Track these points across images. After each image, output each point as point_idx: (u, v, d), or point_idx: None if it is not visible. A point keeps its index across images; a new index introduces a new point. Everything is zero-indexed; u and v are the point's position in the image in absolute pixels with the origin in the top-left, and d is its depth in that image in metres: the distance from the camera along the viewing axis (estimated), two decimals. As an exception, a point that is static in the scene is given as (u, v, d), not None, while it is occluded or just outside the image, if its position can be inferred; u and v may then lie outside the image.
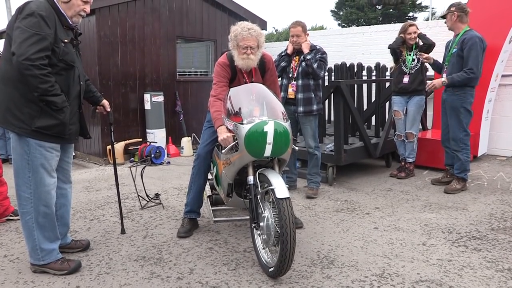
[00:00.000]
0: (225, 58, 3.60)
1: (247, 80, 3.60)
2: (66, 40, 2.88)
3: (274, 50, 7.16)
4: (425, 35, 5.54)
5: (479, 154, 6.74)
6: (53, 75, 2.78)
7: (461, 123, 4.95)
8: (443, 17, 5.17)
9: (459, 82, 4.84)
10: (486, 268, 3.15)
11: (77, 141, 3.35)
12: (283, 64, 4.80)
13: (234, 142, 3.16)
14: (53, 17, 2.81)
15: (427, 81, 5.67)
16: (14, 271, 3.14)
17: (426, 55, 5.27)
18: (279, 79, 4.78)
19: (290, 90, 4.79)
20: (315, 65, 4.55)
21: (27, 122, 2.82)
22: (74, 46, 3.02)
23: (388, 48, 5.74)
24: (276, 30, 34.62)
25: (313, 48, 4.68)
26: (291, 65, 4.80)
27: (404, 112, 5.74)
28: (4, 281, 2.98)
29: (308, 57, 4.58)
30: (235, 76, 3.61)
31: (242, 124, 3.06)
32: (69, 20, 2.94)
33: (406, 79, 5.59)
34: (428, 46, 5.44)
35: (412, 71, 5.55)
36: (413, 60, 5.54)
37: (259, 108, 3.19)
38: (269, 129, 2.98)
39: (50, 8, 2.83)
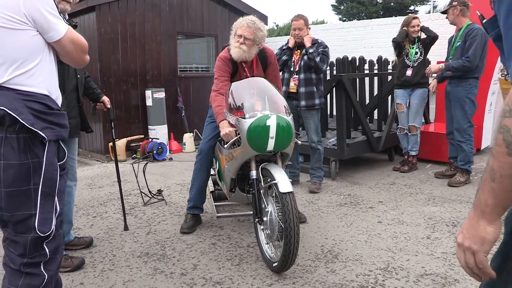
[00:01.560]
0: (226, 52, 3.58)
1: (248, 74, 3.58)
2: None
3: (275, 44, 7.12)
4: (428, 27, 5.51)
5: (482, 147, 6.70)
6: None
7: (465, 113, 4.94)
8: (444, 12, 5.14)
9: (455, 69, 4.87)
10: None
11: (79, 135, 3.33)
12: (284, 58, 4.77)
13: (237, 137, 3.14)
14: None
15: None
16: (17, 268, 3.14)
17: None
18: (281, 73, 4.76)
19: (292, 84, 4.77)
20: (317, 59, 4.53)
21: None
22: None
23: (393, 41, 5.71)
24: (277, 25, 34.55)
25: (314, 42, 4.65)
26: (293, 59, 4.77)
27: (407, 105, 5.71)
28: (7, 279, 2.98)
29: (311, 50, 4.55)
30: (236, 70, 3.59)
31: (244, 118, 3.04)
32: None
33: (409, 72, 5.56)
34: (432, 38, 5.41)
35: (415, 64, 5.52)
36: (416, 53, 5.52)
37: (261, 102, 3.17)
38: (272, 123, 2.96)
39: None
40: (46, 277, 1.91)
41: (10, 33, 1.77)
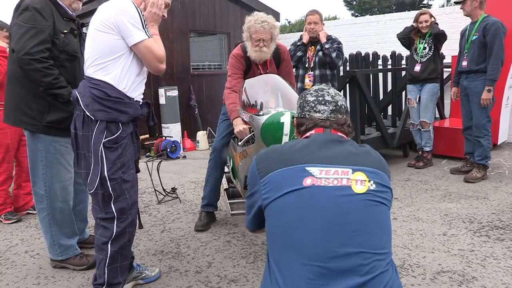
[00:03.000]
0: (239, 49, 3.56)
1: (262, 72, 3.56)
2: (65, 31, 2.83)
3: (287, 41, 7.08)
4: (437, 24, 5.40)
5: (499, 142, 6.61)
6: (57, 68, 2.75)
7: (484, 108, 4.85)
8: (458, 2, 5.04)
9: (496, 76, 4.74)
10: (510, 258, 3.08)
11: None
12: (299, 54, 4.74)
13: (250, 134, 3.13)
14: (50, 9, 2.77)
15: (442, 70, 5.55)
16: (35, 266, 3.17)
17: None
18: (295, 69, 4.73)
19: (307, 80, 4.74)
20: (333, 55, 4.50)
21: (38, 118, 2.82)
22: (76, 36, 2.97)
23: (397, 37, 5.67)
24: (289, 22, 34.43)
25: (328, 38, 4.62)
26: (307, 55, 4.74)
27: (417, 100, 5.64)
28: (26, 276, 3.01)
29: (327, 46, 4.53)
30: (249, 68, 3.58)
31: (258, 115, 3.03)
32: (68, 10, 2.90)
33: (417, 68, 5.50)
34: (435, 35, 5.31)
35: (424, 59, 5.44)
36: (424, 48, 5.43)
37: (275, 99, 3.15)
38: (286, 120, 2.94)
39: (46, 0, 2.79)
40: (115, 233, 2.42)
41: (99, 34, 2.32)
